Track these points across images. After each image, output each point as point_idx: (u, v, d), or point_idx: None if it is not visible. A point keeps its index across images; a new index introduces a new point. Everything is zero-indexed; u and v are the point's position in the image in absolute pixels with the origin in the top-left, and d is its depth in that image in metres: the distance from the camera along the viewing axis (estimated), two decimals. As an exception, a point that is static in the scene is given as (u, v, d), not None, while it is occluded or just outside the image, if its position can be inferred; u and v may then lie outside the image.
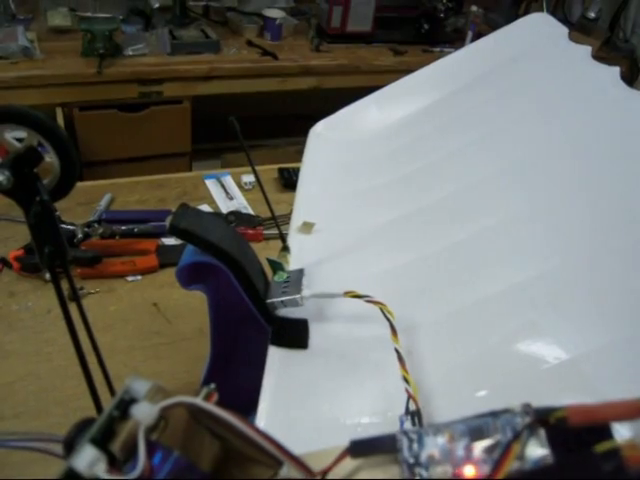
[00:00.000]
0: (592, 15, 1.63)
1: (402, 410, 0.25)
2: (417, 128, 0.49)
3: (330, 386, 0.30)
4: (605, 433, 0.16)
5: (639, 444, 0.15)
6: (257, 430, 0.18)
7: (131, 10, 1.39)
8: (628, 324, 0.28)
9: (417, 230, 0.38)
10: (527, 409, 0.17)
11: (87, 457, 0.16)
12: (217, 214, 0.72)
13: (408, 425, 0.24)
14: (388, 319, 0.28)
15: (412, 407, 0.25)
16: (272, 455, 0.18)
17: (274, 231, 0.70)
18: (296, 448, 0.18)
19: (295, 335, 0.32)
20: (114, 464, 0.16)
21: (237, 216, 0.72)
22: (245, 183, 0.79)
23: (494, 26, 1.48)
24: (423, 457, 0.17)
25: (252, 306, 0.32)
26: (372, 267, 0.36)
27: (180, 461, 0.17)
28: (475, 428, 0.17)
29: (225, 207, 0.75)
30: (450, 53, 0.55)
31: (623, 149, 0.36)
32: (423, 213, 0.39)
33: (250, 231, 0.69)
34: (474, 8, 1.55)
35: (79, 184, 0.27)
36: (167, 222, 0.30)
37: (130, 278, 0.62)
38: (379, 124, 0.51)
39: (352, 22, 1.46)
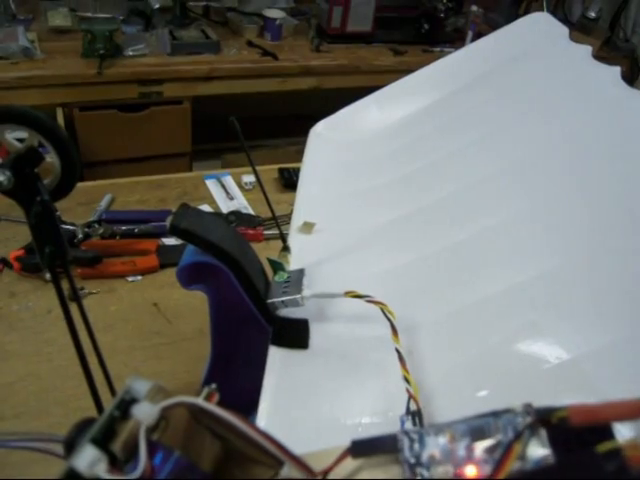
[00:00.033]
0: (592, 15, 1.63)
1: (403, 410, 0.25)
2: (417, 128, 0.49)
3: (331, 386, 0.30)
4: (606, 433, 0.16)
5: (640, 444, 0.15)
6: (258, 430, 0.18)
7: (131, 10, 1.39)
8: (628, 324, 0.28)
9: (417, 230, 0.38)
10: (528, 409, 0.17)
11: (88, 457, 0.16)
12: (217, 214, 0.72)
13: (409, 425, 0.24)
14: (389, 319, 0.28)
15: (413, 407, 0.25)
16: (273, 455, 0.18)
17: (274, 231, 0.70)
18: (297, 448, 0.18)
19: (296, 335, 0.32)
20: (115, 464, 0.16)
21: (237, 216, 0.72)
22: (245, 183, 0.79)
23: (494, 26, 1.48)
24: (424, 457, 0.17)
25: (253, 306, 0.32)
26: (373, 267, 0.36)
27: (181, 461, 0.17)
28: (476, 428, 0.17)
29: (225, 207, 0.75)
30: (450, 53, 0.55)
31: (623, 149, 0.36)
32: (423, 213, 0.39)
33: (250, 231, 0.69)
34: (474, 8, 1.55)
35: (79, 184, 0.27)
36: (168, 222, 0.30)
37: (130, 278, 0.62)
38: (379, 124, 0.51)
39: (352, 22, 1.46)
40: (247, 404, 0.27)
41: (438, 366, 0.29)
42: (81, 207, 0.71)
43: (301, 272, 0.34)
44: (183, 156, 1.40)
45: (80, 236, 0.64)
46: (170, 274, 0.63)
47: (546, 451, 0.16)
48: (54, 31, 1.29)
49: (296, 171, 0.80)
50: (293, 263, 0.37)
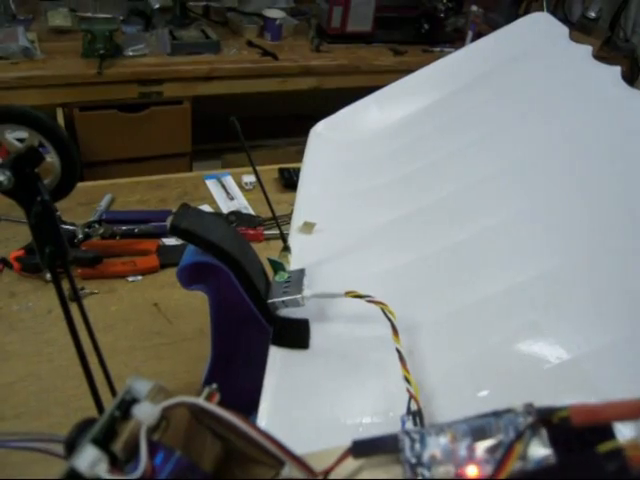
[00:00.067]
0: (592, 15, 1.63)
1: (403, 410, 0.25)
2: (417, 128, 0.49)
3: (331, 386, 0.30)
4: (607, 433, 0.16)
5: (642, 444, 0.15)
6: (259, 430, 0.18)
7: (131, 10, 1.39)
8: (629, 323, 0.28)
9: (417, 230, 0.38)
10: (529, 409, 0.17)
11: (88, 457, 0.16)
12: (218, 214, 0.72)
13: (409, 425, 0.24)
14: (389, 319, 0.28)
15: (413, 407, 0.25)
16: (274, 455, 0.18)
17: (275, 231, 0.70)
18: (297, 448, 0.18)
19: (296, 335, 0.32)
20: (116, 464, 0.16)
21: (238, 216, 0.72)
22: (246, 183, 0.79)
23: (494, 26, 1.48)
24: (425, 457, 0.17)
25: (253, 306, 0.32)
26: (373, 267, 0.36)
27: (182, 461, 0.17)
28: (477, 428, 0.17)
29: (226, 207, 0.75)
30: (450, 53, 0.55)
31: (624, 149, 0.36)
32: (423, 213, 0.39)
33: (251, 231, 0.69)
34: (474, 8, 1.55)
35: (79, 184, 0.27)
36: (168, 222, 0.30)
37: (131, 278, 0.62)
38: (379, 124, 0.51)
39: (352, 22, 1.46)
40: (247, 404, 0.27)
41: (438, 366, 0.29)
42: (81, 207, 0.71)
43: (301, 272, 0.34)
44: (183, 156, 1.40)
45: (80, 236, 0.64)
46: (170, 274, 0.63)
47: (547, 451, 0.16)
48: (54, 31, 1.29)
49: (296, 171, 0.80)
50: (293, 263, 0.37)
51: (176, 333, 0.56)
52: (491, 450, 0.16)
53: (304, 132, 0.51)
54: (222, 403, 0.18)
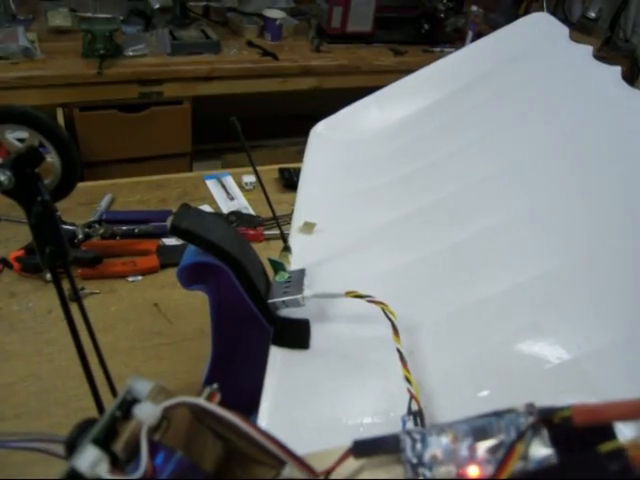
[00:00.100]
0: (592, 15, 1.63)
1: (404, 410, 0.25)
2: (417, 128, 0.49)
3: (332, 386, 0.30)
4: (608, 433, 0.16)
5: (643, 444, 0.15)
6: (260, 430, 0.18)
7: (131, 11, 1.39)
8: (629, 323, 0.28)
9: (418, 230, 0.38)
10: (531, 409, 0.17)
11: (89, 457, 0.16)
12: (218, 214, 0.72)
13: (410, 425, 0.24)
14: (390, 319, 0.28)
15: (414, 407, 0.25)
16: (275, 455, 0.18)
17: (275, 231, 0.70)
18: (298, 448, 0.18)
19: (296, 335, 0.32)
20: (116, 464, 0.16)
21: (238, 216, 0.72)
22: (246, 183, 0.79)
23: (494, 26, 1.48)
24: (426, 457, 0.17)
25: (253, 306, 0.32)
26: (373, 267, 0.36)
27: (183, 461, 0.17)
28: (479, 428, 0.17)
29: (226, 207, 0.75)
30: (450, 53, 0.55)
31: (624, 149, 0.36)
32: (424, 213, 0.39)
33: (251, 231, 0.69)
34: (474, 8, 1.55)
35: (80, 184, 0.27)
36: (168, 222, 0.30)
37: (131, 278, 0.62)
38: (379, 124, 0.51)
39: (352, 22, 1.46)
40: (248, 404, 0.27)
41: (439, 366, 0.29)
42: (81, 207, 0.71)
43: (302, 272, 0.34)
44: (183, 156, 1.40)
45: (80, 236, 0.64)
46: (170, 274, 0.63)
47: (549, 451, 0.16)
48: (54, 31, 1.29)
49: (296, 171, 0.80)
50: (294, 263, 0.37)
51: (176, 333, 0.56)
52: (492, 450, 0.16)
53: (304, 132, 0.51)
54: (222, 403, 0.18)
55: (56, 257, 0.26)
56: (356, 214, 0.42)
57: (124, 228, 0.66)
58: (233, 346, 0.38)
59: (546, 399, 0.17)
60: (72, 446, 0.19)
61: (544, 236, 0.33)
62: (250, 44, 1.40)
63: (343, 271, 0.36)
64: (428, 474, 0.17)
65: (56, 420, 0.47)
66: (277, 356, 0.31)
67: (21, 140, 0.27)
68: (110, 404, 0.18)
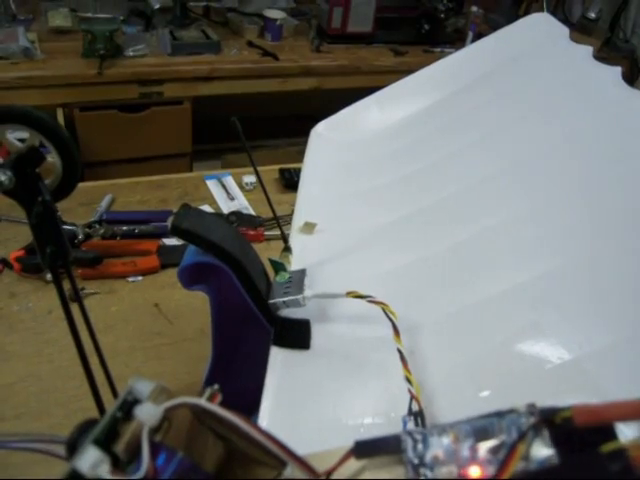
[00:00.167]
0: (592, 15, 1.63)
1: (405, 410, 0.25)
2: (418, 128, 0.49)
3: (332, 386, 0.30)
4: (609, 433, 0.16)
5: (645, 444, 0.15)
6: (261, 431, 0.18)
7: (132, 11, 1.39)
8: (630, 323, 0.28)
9: (418, 230, 0.38)
10: (532, 409, 0.17)
11: (90, 458, 0.16)
12: (218, 214, 0.72)
13: (411, 426, 0.24)
14: (390, 319, 0.28)
15: (415, 407, 0.25)
16: (276, 456, 0.18)
17: (275, 232, 0.70)
18: (299, 448, 0.18)
19: (297, 335, 0.32)
20: (117, 465, 0.16)
21: (238, 216, 0.72)
22: (246, 183, 0.79)
23: (494, 26, 1.48)
24: (428, 458, 0.17)
25: (254, 306, 0.32)
26: (374, 267, 0.36)
27: (184, 462, 0.17)
28: (480, 428, 0.17)
29: (226, 207, 0.75)
30: (451, 53, 0.55)
31: (624, 149, 0.36)
32: (424, 213, 0.39)
33: (251, 231, 0.69)
34: (474, 8, 1.55)
35: (80, 184, 0.27)
36: (169, 222, 0.30)
37: (131, 279, 0.62)
38: (380, 124, 0.51)
39: (352, 23, 1.46)
40: (249, 404, 0.27)
41: (440, 366, 0.29)
42: (82, 207, 0.71)
43: (302, 272, 0.34)
44: (183, 156, 1.40)
45: (81, 236, 0.64)
46: (171, 274, 0.63)
47: (550, 451, 0.16)
48: (54, 31, 1.29)
49: (297, 171, 0.80)
50: (294, 263, 0.37)
51: (177, 333, 0.56)
52: (494, 450, 0.16)
53: (305, 132, 0.51)
54: (223, 404, 0.18)
55: (57, 257, 0.26)
56: (356, 214, 0.42)
57: (124, 228, 0.66)
58: (234, 346, 0.38)
59: (547, 399, 0.17)
60: (73, 447, 0.19)
61: (544, 236, 0.33)
62: (250, 44, 1.40)
63: (344, 271, 0.36)
64: (429, 474, 0.17)
65: (56, 421, 0.47)
66: (278, 356, 0.31)
67: (22, 140, 0.27)
68: (110, 404, 0.18)
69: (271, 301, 0.32)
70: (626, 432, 0.17)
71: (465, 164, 0.42)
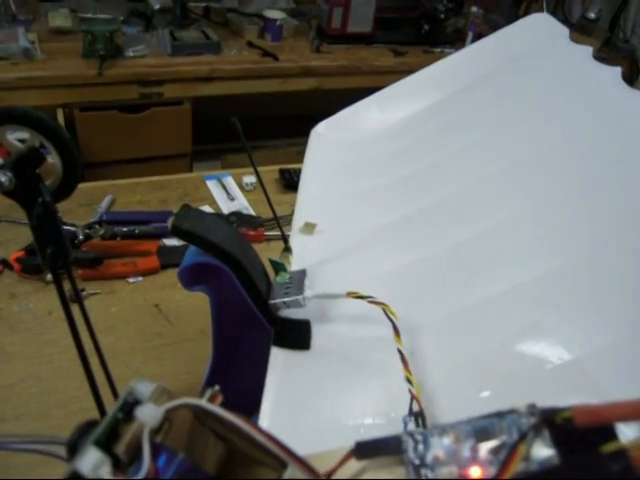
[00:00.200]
0: (592, 16, 1.63)
1: (405, 411, 0.25)
2: (418, 129, 0.49)
3: (333, 387, 0.30)
4: (610, 433, 0.16)
5: (645, 445, 0.15)
6: (261, 431, 0.18)
7: (132, 11, 1.39)
8: (631, 323, 0.28)
9: (419, 231, 0.38)
10: (532, 409, 0.17)
11: (91, 459, 0.16)
12: (219, 215, 0.72)
13: (411, 426, 0.24)
14: (391, 320, 0.28)
15: (415, 408, 0.25)
16: (276, 456, 0.18)
17: (275, 232, 0.70)
18: (299, 449, 0.18)
19: (297, 336, 0.32)
20: (118, 466, 0.16)
21: (238, 217, 0.72)
22: (246, 184, 0.79)
23: (494, 27, 1.48)
24: (429, 458, 0.17)
25: (254, 307, 0.32)
26: (374, 268, 0.36)
27: (185, 463, 0.17)
28: (481, 429, 0.17)
29: (226, 208, 0.75)
30: (451, 54, 0.55)
31: (624, 149, 0.36)
32: (424, 214, 0.39)
33: (251, 232, 0.69)
34: (474, 9, 1.55)
35: (80, 185, 0.27)
36: (169, 223, 0.30)
37: (131, 279, 0.62)
38: (380, 125, 0.51)
39: (352, 23, 1.46)
40: (249, 405, 0.27)
41: (440, 367, 0.29)
42: (82, 208, 0.71)
43: (303, 273, 0.34)
44: (184, 157, 1.40)
45: (81, 237, 0.64)
46: (171, 275, 0.63)
47: (551, 452, 0.16)
48: (54, 32, 1.29)
49: (297, 172, 0.80)
50: (294, 264, 0.37)
51: (177, 334, 0.56)
52: (494, 451, 0.16)
53: (305, 133, 0.51)
54: (224, 404, 0.18)
55: (57, 258, 0.26)
56: (357, 214, 0.42)
57: (124, 229, 0.66)
58: (234, 347, 0.38)
59: (547, 399, 0.17)
60: (74, 448, 0.19)
61: (545, 236, 0.33)
62: (250, 45, 1.40)
63: (344, 272, 0.36)
64: (430, 475, 0.17)
65: (56, 421, 0.47)
66: (278, 357, 0.31)
67: (22, 141, 0.27)
68: (111, 405, 0.18)
69: (271, 301, 0.32)
70: (626, 432, 0.17)
71: (465, 164, 0.42)
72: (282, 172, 0.81)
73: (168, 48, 1.29)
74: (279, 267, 0.35)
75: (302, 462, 0.18)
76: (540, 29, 0.52)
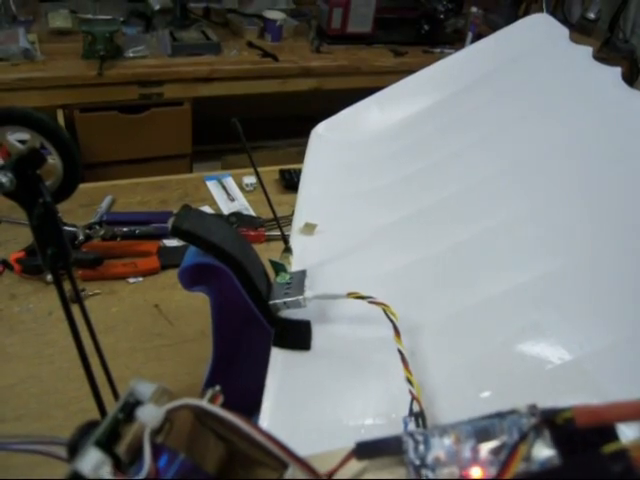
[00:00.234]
0: (592, 16, 1.64)
1: (406, 411, 0.25)
2: (418, 129, 0.49)
3: (333, 387, 0.30)
4: (610, 434, 0.16)
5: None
6: (262, 432, 0.18)
7: (132, 12, 1.40)
8: (631, 324, 0.28)
9: (419, 231, 0.38)
10: (533, 410, 0.17)
11: (92, 460, 0.16)
12: (219, 215, 0.72)
13: (412, 427, 0.24)
14: (391, 320, 0.28)
15: (416, 408, 0.25)
16: (277, 457, 0.18)
17: (276, 232, 0.70)
18: (299, 449, 0.18)
19: (298, 336, 0.32)
20: (119, 467, 0.16)
21: (238, 217, 0.72)
22: (246, 184, 0.79)
23: (494, 27, 1.48)
24: (429, 459, 0.17)
25: (254, 307, 0.32)
26: (374, 268, 0.36)
27: (185, 463, 0.17)
28: (481, 429, 0.17)
29: (226, 208, 0.75)
30: (450, 54, 0.55)
31: (624, 149, 0.36)
32: (425, 214, 0.39)
33: (252, 232, 0.69)
34: (474, 9, 1.55)
35: (80, 186, 0.27)
36: (170, 223, 0.30)
37: (131, 280, 0.62)
38: (380, 125, 0.51)
39: (352, 23, 1.46)
40: (249, 405, 0.27)
41: (441, 367, 0.29)
42: (82, 209, 0.71)
43: (303, 273, 0.34)
44: (184, 157, 1.40)
45: (81, 238, 0.64)
46: (171, 275, 0.63)
47: (551, 452, 0.16)
48: (54, 33, 1.29)
49: (297, 172, 0.80)
50: (295, 264, 0.37)
51: (177, 334, 0.56)
52: (495, 451, 0.16)
53: (305, 133, 0.51)
54: (224, 405, 0.18)
55: (58, 258, 0.26)
56: (357, 215, 0.42)
57: (125, 229, 0.67)
58: (234, 347, 0.38)
59: (548, 400, 0.17)
60: (74, 448, 0.19)
61: (545, 236, 0.33)
62: (250, 45, 1.41)
63: (344, 272, 0.36)
64: (431, 475, 0.17)
65: (56, 422, 0.47)
66: (278, 357, 0.31)
67: (22, 142, 0.27)
68: (111, 406, 0.18)
69: (272, 302, 0.32)
70: (627, 433, 0.17)
71: (465, 164, 0.42)
72: (282, 172, 0.81)
73: (168, 49, 1.29)
74: (279, 267, 0.35)
75: (303, 462, 0.18)
76: (540, 29, 0.52)
